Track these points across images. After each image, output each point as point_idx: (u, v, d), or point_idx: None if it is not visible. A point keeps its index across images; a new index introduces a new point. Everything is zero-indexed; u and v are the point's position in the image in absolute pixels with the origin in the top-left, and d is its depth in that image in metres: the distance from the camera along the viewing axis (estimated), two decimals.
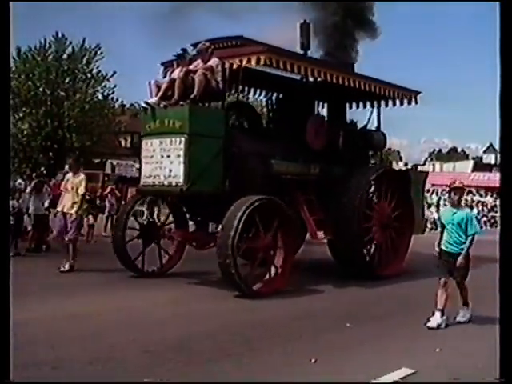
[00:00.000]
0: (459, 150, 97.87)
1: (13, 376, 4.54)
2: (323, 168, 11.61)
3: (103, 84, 36.45)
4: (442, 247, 7.92)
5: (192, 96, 9.92)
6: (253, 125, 12.48)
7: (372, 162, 14.23)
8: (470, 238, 7.75)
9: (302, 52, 12.01)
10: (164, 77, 11.28)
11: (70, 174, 11.99)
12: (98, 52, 35.73)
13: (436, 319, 7.68)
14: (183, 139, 9.79)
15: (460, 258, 7.70)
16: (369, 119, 13.12)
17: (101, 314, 8.03)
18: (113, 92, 36.50)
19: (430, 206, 27.44)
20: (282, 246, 10.25)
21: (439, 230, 8.22)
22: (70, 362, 5.87)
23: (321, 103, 13.55)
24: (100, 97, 36.69)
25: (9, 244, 10.78)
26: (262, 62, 10.11)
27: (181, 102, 9.97)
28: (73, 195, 11.52)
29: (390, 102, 13.25)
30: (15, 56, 36.07)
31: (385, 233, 11.96)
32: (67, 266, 11.41)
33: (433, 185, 31.08)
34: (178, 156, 9.84)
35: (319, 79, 11.80)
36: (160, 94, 10.27)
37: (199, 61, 10.38)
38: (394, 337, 7.38)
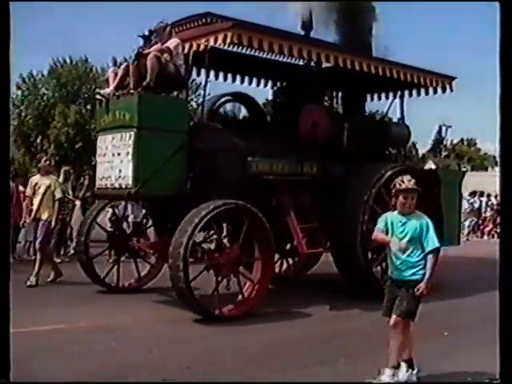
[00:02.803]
0: None
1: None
2: (321, 167, 9.17)
3: (197, 93, 35.20)
4: (389, 273, 5.22)
5: (145, 83, 7.89)
6: (252, 119, 10.23)
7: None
8: (430, 257, 4.97)
9: (303, 32, 9.59)
10: None
11: (37, 177, 10.20)
12: None
13: (387, 376, 5.00)
14: (132, 134, 7.78)
15: (422, 286, 4.92)
16: (388, 109, 10.51)
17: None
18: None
19: None
20: (257, 260, 8.05)
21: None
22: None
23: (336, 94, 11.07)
24: (194, 105, 35.48)
25: (9, 248, 9.28)
26: (228, 40, 7.90)
27: (131, 91, 7.95)
28: (46, 198, 9.75)
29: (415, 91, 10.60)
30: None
31: None
32: (33, 279, 9.58)
33: None
34: (128, 154, 7.85)
35: (325, 65, 9.47)
36: (115, 82, 8.31)
37: (159, 44, 8.32)
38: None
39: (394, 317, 5.02)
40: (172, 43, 8.13)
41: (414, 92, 10.70)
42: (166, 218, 8.74)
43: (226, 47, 8.97)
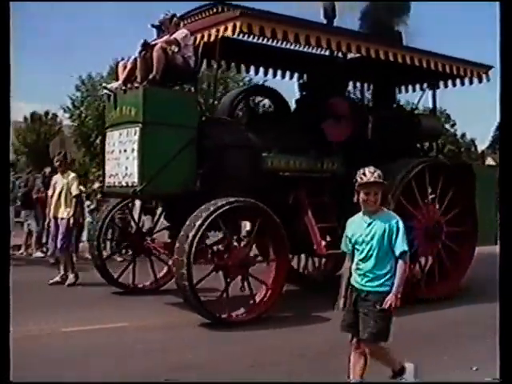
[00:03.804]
0: None
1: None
2: (343, 163, 8.47)
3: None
4: (352, 282, 4.33)
5: (151, 76, 7.42)
6: (277, 112, 9.63)
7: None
8: (400, 263, 4.15)
9: (325, 21, 8.91)
10: None
11: (57, 176, 9.80)
12: None
13: None
14: (137, 129, 7.33)
15: (390, 298, 4.09)
16: (418, 101, 9.70)
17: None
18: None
19: None
20: (271, 260, 7.47)
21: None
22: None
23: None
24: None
25: (9, 248, 9.03)
26: (238, 30, 7.33)
27: (136, 85, 7.49)
28: (64, 197, 9.40)
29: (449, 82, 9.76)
30: None
31: (432, 244, 8.51)
32: (72, 278, 9.43)
33: None
34: (133, 150, 7.41)
35: (350, 55, 8.81)
36: (123, 76, 7.86)
37: (167, 35, 7.84)
38: None
39: (362, 342, 4.23)
40: (180, 34, 7.63)
41: (449, 83, 9.84)
42: (179, 216, 8.24)
43: (248, 38, 8.53)
